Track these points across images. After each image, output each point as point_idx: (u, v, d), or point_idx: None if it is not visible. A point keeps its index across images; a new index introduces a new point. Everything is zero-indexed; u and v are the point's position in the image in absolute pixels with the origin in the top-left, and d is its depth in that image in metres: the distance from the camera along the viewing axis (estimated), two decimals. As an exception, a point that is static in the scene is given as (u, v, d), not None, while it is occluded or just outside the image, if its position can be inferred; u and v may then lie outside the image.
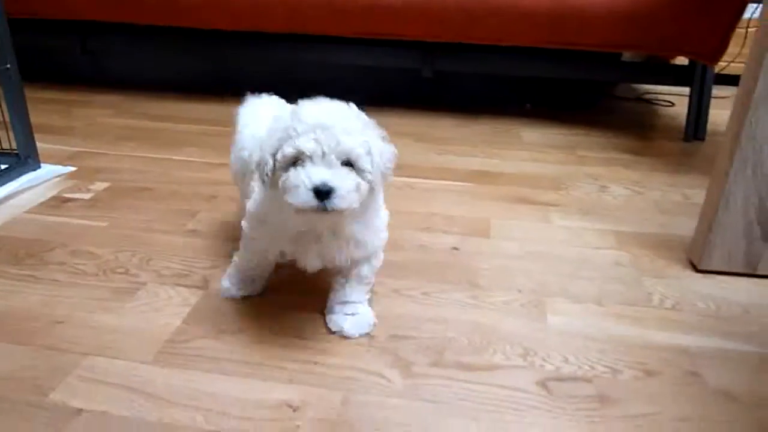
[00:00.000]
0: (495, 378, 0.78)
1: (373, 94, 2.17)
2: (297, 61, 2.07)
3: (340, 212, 0.68)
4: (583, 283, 1.01)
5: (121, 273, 0.99)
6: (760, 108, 0.93)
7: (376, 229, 0.81)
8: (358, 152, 0.68)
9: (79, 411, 0.70)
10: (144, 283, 0.96)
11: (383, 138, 0.75)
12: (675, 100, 2.25)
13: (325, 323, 0.86)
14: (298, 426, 0.69)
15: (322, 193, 0.66)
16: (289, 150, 0.68)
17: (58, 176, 1.37)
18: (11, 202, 1.24)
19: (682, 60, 1.96)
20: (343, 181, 0.67)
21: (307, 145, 0.67)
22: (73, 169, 1.41)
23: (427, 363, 0.80)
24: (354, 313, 0.85)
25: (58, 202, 1.24)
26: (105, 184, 1.33)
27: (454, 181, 1.43)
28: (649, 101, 2.31)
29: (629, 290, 0.99)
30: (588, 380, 0.78)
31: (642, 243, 1.15)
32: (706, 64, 1.75)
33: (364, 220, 0.78)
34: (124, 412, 0.70)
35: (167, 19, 1.90)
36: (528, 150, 1.69)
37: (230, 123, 1.58)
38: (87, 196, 1.28)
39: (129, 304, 0.91)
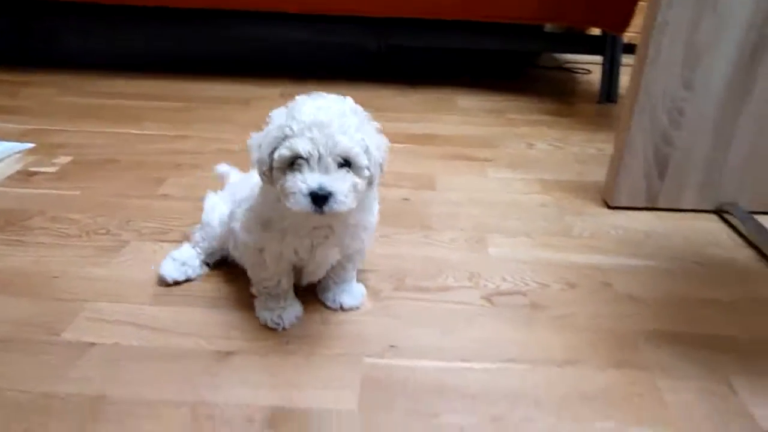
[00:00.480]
0: (447, 296, 0.93)
1: (318, 69, 2.27)
2: (248, 38, 2.13)
3: (338, 214, 0.70)
4: (516, 222, 1.18)
5: (103, 234, 1.07)
6: (651, 69, 1.11)
7: (374, 212, 0.83)
8: (355, 152, 0.68)
9: (92, 344, 0.80)
10: (127, 241, 1.05)
11: (378, 130, 0.75)
12: (592, 68, 2.47)
13: (320, 300, 0.90)
14: (287, 342, 0.82)
15: (320, 198, 0.67)
16: (284, 152, 0.68)
17: (18, 152, 1.41)
18: (-24, 177, 1.28)
19: (596, 31, 2.18)
20: (340, 185, 0.68)
21: (303, 146, 0.67)
22: (32, 145, 1.45)
23: (391, 288, 0.95)
24: (348, 289, 0.89)
25: (24, 176, 1.29)
26: (68, 158, 1.39)
27: (400, 143, 1.58)
28: (569, 69, 2.52)
29: (553, 225, 1.17)
30: (523, 294, 0.95)
31: (563, 188, 1.34)
32: (615, 35, 1.96)
33: (366, 206, 0.80)
34: (133, 342, 0.81)
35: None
36: (463, 115, 1.86)
37: (181, 98, 1.68)
38: (53, 169, 1.33)
39: (117, 259, 1.00)
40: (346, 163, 0.69)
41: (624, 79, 2.05)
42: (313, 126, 0.67)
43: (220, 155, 1.41)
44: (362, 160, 0.70)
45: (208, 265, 0.97)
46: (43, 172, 1.31)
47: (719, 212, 1.24)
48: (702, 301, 0.95)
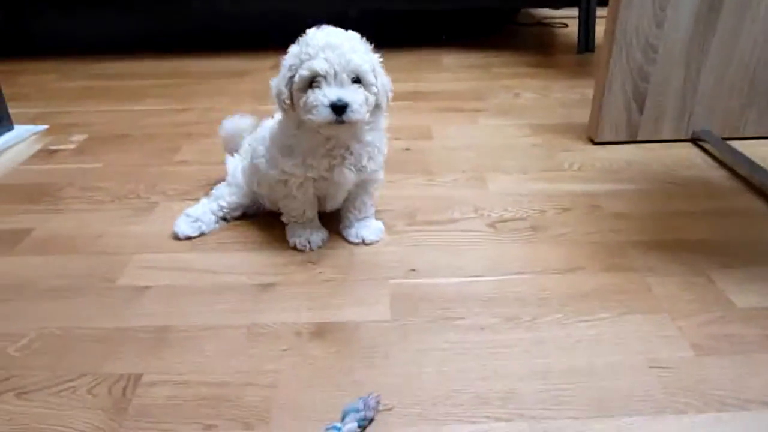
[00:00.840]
0: (455, 226, 1.04)
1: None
2: (230, 12, 2.19)
3: (355, 123, 0.80)
4: (511, 161, 1.28)
5: (133, 198, 1.16)
6: (625, 11, 1.21)
7: (384, 137, 0.93)
8: (364, 68, 0.79)
9: (147, 287, 0.89)
10: (156, 202, 1.14)
11: (381, 65, 0.86)
12: (568, 23, 2.56)
13: (343, 237, 1.00)
14: (320, 272, 0.92)
15: (338, 108, 0.77)
16: (304, 72, 0.78)
17: (34, 134, 1.49)
18: (0, 158, 1.35)
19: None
20: (354, 96, 0.79)
21: (320, 65, 0.77)
22: (46, 127, 1.52)
23: (404, 224, 1.05)
24: (368, 225, 0.99)
25: (46, 154, 1.37)
26: (83, 136, 1.46)
27: (394, 101, 1.66)
28: (547, 24, 2.61)
29: (545, 162, 1.28)
30: (523, 219, 1.06)
31: (551, 130, 1.45)
32: (589, -15, 2.05)
33: (377, 130, 0.90)
34: (183, 282, 0.90)
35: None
36: (450, 72, 1.95)
37: (178, 75, 1.75)
38: (72, 146, 1.41)
39: (151, 217, 1.09)
40: (357, 80, 0.80)
41: (600, 30, 2.13)
42: (327, 48, 0.77)
43: (225, 124, 1.50)
44: (371, 78, 0.81)
45: (225, 219, 1.05)
46: (63, 150, 1.39)
47: (694, 140, 1.35)
48: (680, 213, 1.07)
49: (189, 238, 1.01)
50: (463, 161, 1.28)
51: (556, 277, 0.90)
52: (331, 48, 0.78)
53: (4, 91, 1.75)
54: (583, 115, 1.46)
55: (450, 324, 0.80)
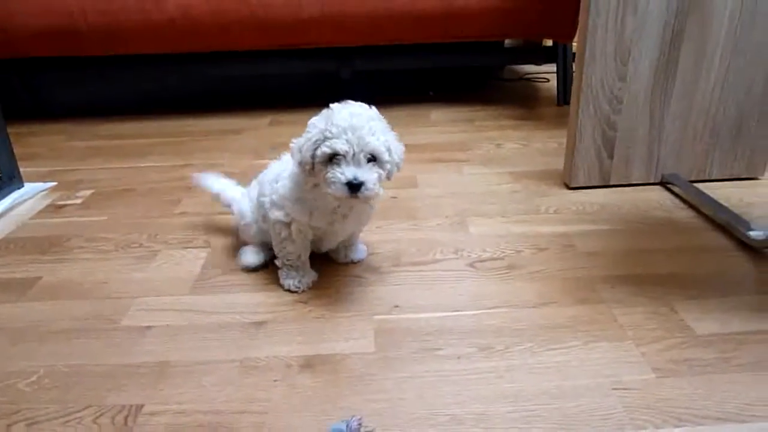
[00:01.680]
0: (438, 266, 1.11)
1: (300, 98, 2.47)
2: (228, 75, 2.33)
3: (368, 198, 0.89)
4: (491, 206, 1.37)
5: (136, 247, 1.24)
6: (590, 67, 1.32)
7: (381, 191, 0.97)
8: (381, 150, 0.87)
9: (148, 327, 0.96)
10: (158, 250, 1.22)
11: (396, 137, 0.94)
12: (550, 77, 2.71)
13: (333, 260, 1.13)
14: (310, 310, 0.99)
15: (354, 186, 0.85)
16: (326, 150, 0.85)
17: (43, 191, 1.57)
18: (11, 214, 1.44)
19: (549, 42, 2.42)
20: (369, 176, 0.86)
21: (341, 146, 0.85)
22: (54, 183, 1.62)
23: (389, 265, 1.12)
24: (355, 248, 1.13)
25: (54, 209, 1.46)
26: (89, 191, 1.56)
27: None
28: (529, 79, 2.76)
29: (523, 206, 1.36)
30: (501, 259, 1.13)
31: (530, 177, 1.54)
32: (565, 43, 2.20)
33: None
34: (182, 322, 0.97)
35: (104, 49, 2.11)
36: (437, 126, 2.06)
37: (180, 134, 1.86)
38: (78, 201, 1.50)
39: (153, 264, 1.16)
40: (373, 158, 0.88)
41: (577, 82, 2.28)
42: (349, 130, 0.85)
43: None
44: (386, 157, 0.88)
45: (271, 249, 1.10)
46: (70, 204, 1.47)
47: (663, 183, 1.44)
48: (647, 251, 1.14)
49: (256, 268, 1.11)
50: (446, 207, 1.37)
51: (529, 311, 0.96)
52: (353, 130, 0.85)
53: (16, 151, 1.85)
54: (560, 163, 1.55)
55: (430, 354, 0.87)
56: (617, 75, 1.33)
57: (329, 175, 0.86)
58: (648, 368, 0.82)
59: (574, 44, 2.23)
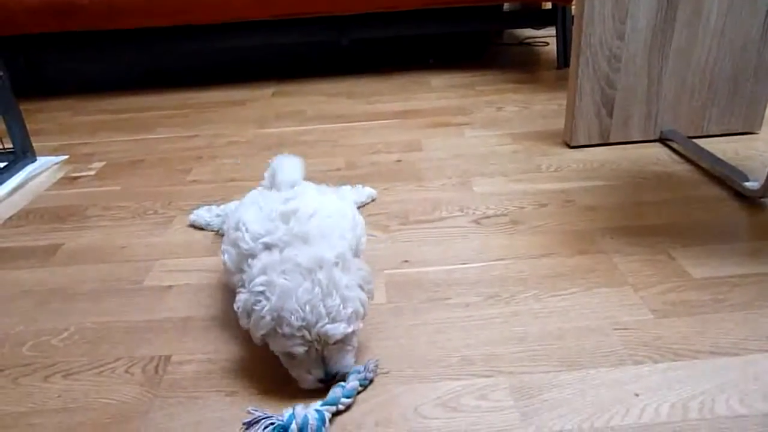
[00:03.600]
0: (443, 224, 1.15)
1: (301, 67, 2.48)
2: (229, 47, 2.34)
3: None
4: (493, 166, 1.40)
5: (151, 214, 1.28)
6: (589, 26, 1.34)
7: None
8: (350, 331, 0.71)
9: (170, 287, 1.00)
10: (174, 216, 1.26)
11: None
12: (549, 41, 2.71)
13: None
14: (323, 267, 1.03)
15: (329, 379, 0.72)
16: (280, 348, 0.71)
17: (56, 164, 1.61)
18: (27, 186, 1.48)
19: (548, 5, 2.43)
20: (343, 360, 0.72)
21: (298, 349, 0.69)
22: (66, 156, 1.65)
23: (397, 223, 1.16)
24: None
25: (69, 180, 1.50)
26: (101, 163, 1.59)
27: (385, 120, 1.80)
28: (529, 44, 2.76)
29: (525, 165, 1.40)
30: (504, 215, 1.17)
31: (531, 138, 1.57)
32: (564, 5, 2.20)
33: None
34: (201, 281, 1.01)
35: (105, 24, 2.12)
36: (437, 92, 2.08)
37: (183, 106, 1.87)
38: (92, 172, 1.53)
39: (169, 229, 1.21)
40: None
41: (577, 45, 2.29)
42: (304, 326, 0.67)
43: (230, 146, 1.64)
44: (356, 328, 0.73)
45: None
46: (84, 176, 1.51)
47: (662, 140, 1.47)
48: (646, 203, 1.18)
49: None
50: (450, 168, 1.40)
51: (532, 261, 1.01)
52: (310, 326, 0.68)
53: (29, 128, 1.89)
54: (560, 124, 1.59)
55: (438, 304, 0.91)
56: (616, 34, 1.35)
57: (294, 372, 0.73)
58: (646, 310, 0.87)
59: (573, 6, 2.24)
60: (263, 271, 0.73)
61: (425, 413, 0.71)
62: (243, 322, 0.74)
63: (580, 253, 1.03)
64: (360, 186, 1.25)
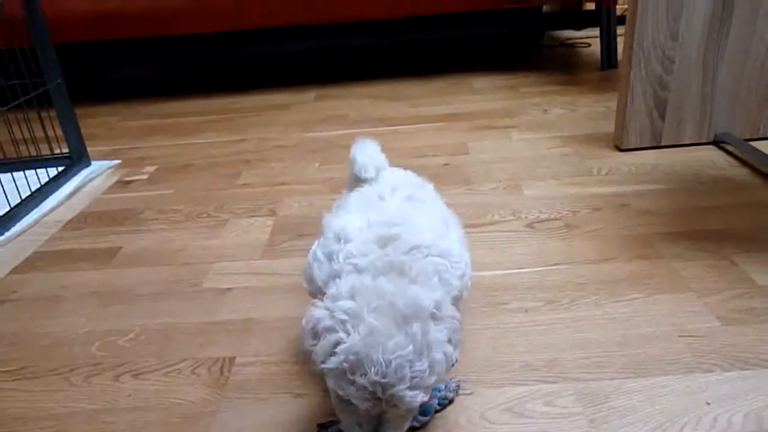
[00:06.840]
0: (496, 228, 1.15)
1: (344, 71, 2.50)
2: (272, 52, 2.38)
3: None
4: (543, 170, 1.39)
5: (205, 217, 1.30)
6: (641, 26, 1.32)
7: None
8: (419, 399, 0.57)
9: (229, 289, 1.02)
10: (227, 219, 1.28)
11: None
12: (591, 42, 2.68)
13: None
14: (378, 271, 1.04)
15: None
16: (341, 393, 0.58)
17: (110, 168, 1.66)
18: (83, 190, 1.52)
19: (590, 6, 2.40)
20: (398, 428, 0.61)
21: (363, 404, 0.57)
22: (118, 161, 1.70)
23: (449, 227, 1.16)
24: None
25: (123, 184, 1.54)
26: (153, 167, 1.63)
27: (430, 123, 1.80)
28: (571, 45, 2.73)
29: (576, 169, 1.38)
30: (558, 219, 1.16)
31: (580, 141, 1.55)
32: (609, 7, 2.17)
33: None
34: (259, 284, 1.03)
35: (150, 31, 2.17)
36: (481, 94, 2.07)
37: (228, 111, 1.90)
38: (144, 176, 1.57)
39: (224, 232, 1.23)
40: None
41: (621, 47, 2.25)
42: (378, 385, 0.55)
43: (276, 150, 1.66)
44: (429, 391, 0.60)
45: None
46: (137, 180, 1.55)
47: (716, 142, 1.44)
48: (704, 208, 1.16)
49: None
50: (498, 172, 1.40)
51: (590, 267, 1.00)
52: (382, 390, 0.55)
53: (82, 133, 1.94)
54: (609, 126, 1.56)
55: (497, 308, 0.91)
56: (669, 33, 1.32)
57: (339, 414, 0.62)
58: (712, 317, 0.85)
59: (618, 7, 2.21)
60: (351, 296, 0.61)
61: (492, 419, 0.71)
62: (307, 342, 0.61)
63: (639, 257, 1.01)
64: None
